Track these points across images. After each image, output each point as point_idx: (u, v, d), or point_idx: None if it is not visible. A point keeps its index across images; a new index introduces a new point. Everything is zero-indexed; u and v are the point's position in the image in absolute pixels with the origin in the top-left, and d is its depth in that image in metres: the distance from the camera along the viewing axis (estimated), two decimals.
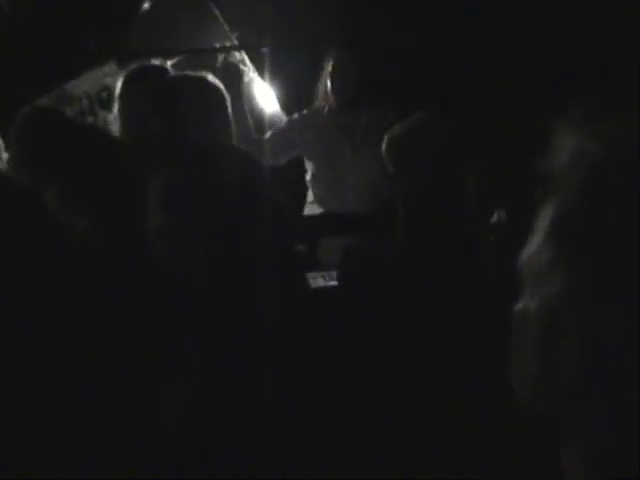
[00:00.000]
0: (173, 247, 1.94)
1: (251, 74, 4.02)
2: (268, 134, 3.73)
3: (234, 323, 1.92)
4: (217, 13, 3.61)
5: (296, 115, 3.84)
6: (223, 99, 2.86)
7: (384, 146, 2.58)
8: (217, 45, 3.97)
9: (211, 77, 2.98)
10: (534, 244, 0.74)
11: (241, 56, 4.00)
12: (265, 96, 3.95)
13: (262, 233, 1.95)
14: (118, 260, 2.12)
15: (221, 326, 1.90)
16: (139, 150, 2.79)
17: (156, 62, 3.36)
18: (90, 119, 4.14)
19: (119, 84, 3.17)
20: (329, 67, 3.68)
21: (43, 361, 1.79)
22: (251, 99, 3.84)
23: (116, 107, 3.18)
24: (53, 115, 2.91)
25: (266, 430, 1.88)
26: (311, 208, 3.91)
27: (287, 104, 3.87)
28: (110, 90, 3.70)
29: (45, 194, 2.07)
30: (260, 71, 3.93)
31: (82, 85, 4.23)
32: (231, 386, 1.85)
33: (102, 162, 2.33)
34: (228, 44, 3.90)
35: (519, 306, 0.75)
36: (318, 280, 3.11)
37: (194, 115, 2.77)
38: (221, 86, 2.95)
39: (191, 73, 3.05)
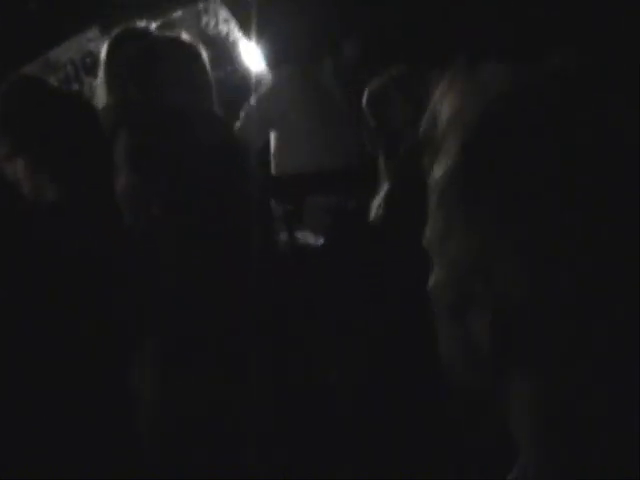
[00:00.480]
0: (139, 212, 1.90)
1: (236, 33, 3.95)
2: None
3: (209, 295, 1.88)
4: None
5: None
6: (201, 60, 2.80)
7: (364, 100, 2.54)
8: (200, 6, 3.90)
9: (189, 37, 2.91)
10: (430, 213, 0.73)
11: (226, 15, 3.93)
12: (251, 55, 3.89)
13: (237, 198, 1.90)
14: (89, 232, 2.08)
15: (195, 298, 1.86)
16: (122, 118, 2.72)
17: (141, 24, 3.29)
18: (76, 86, 4.09)
19: (103, 49, 3.11)
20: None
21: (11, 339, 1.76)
22: (235, 59, 3.78)
23: (100, 72, 3.13)
24: (29, 83, 2.86)
25: (246, 408, 1.85)
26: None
27: (274, 62, 3.79)
28: (94, 56, 3.65)
29: (13, 162, 2.03)
30: (246, 30, 3.86)
31: (66, 52, 4.18)
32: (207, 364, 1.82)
33: (77, 132, 2.27)
34: (211, 3, 3.83)
35: (430, 279, 0.74)
36: (308, 237, 3.07)
37: (170, 78, 2.71)
38: (200, 47, 2.88)
39: (168, 33, 2.98)
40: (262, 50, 3.90)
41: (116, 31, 3.28)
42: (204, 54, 2.84)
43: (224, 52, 4.14)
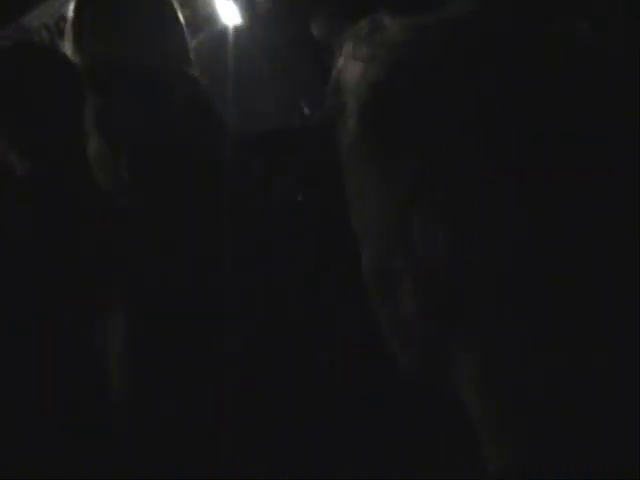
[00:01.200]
0: (109, 177, 1.86)
1: None
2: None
3: (180, 252, 1.84)
4: None
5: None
6: (171, 10, 2.70)
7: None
8: None
9: None
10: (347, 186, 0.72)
11: None
12: (227, 10, 3.82)
13: (213, 162, 1.85)
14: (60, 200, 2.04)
15: (170, 263, 1.82)
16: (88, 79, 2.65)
17: None
18: None
19: (70, 9, 3.04)
20: None
21: None
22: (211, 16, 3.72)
23: (67, 31, 3.06)
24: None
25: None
26: None
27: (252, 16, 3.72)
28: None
29: None
30: None
31: (40, 17, 4.12)
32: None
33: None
34: None
35: (362, 262, 0.71)
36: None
37: (138, 31, 2.62)
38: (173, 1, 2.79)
39: None
40: (239, 6, 3.83)
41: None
42: (175, 4, 2.75)
43: (200, 9, 4.08)
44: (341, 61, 0.74)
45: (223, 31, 3.58)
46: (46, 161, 2.07)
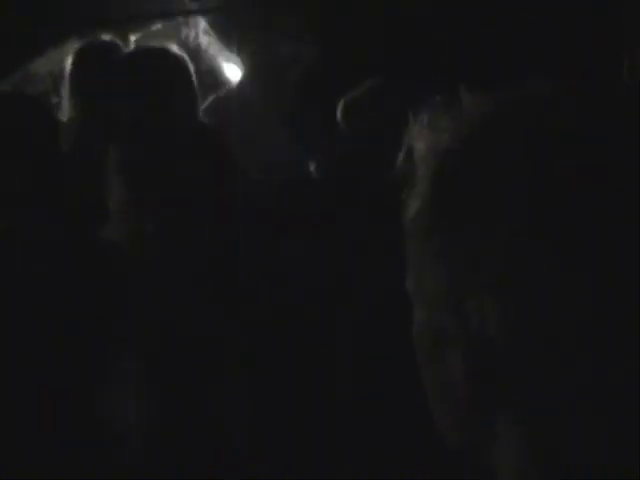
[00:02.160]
0: (132, 226, 1.88)
1: (216, 46, 3.96)
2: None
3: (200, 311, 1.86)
4: None
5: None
6: (187, 72, 2.79)
7: (340, 109, 2.57)
8: (180, 19, 3.92)
9: (175, 48, 2.92)
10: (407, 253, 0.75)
11: (206, 27, 3.94)
12: (231, 68, 3.91)
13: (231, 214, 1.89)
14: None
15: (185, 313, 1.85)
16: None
17: (107, 37, 3.31)
18: (55, 99, 4.08)
19: (68, 62, 3.12)
20: None
21: None
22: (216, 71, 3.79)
23: (65, 85, 3.14)
24: None
25: None
26: None
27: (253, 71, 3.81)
28: None
29: None
30: (226, 42, 3.87)
31: (46, 64, 4.17)
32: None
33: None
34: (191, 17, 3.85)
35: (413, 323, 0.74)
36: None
37: (159, 91, 2.71)
38: (186, 58, 2.88)
39: (154, 45, 2.98)
40: (242, 63, 3.92)
41: (82, 43, 3.29)
42: (190, 66, 2.85)
43: (205, 64, 4.14)
44: (415, 129, 0.74)
45: (234, 89, 3.65)
46: (62, 210, 2.10)
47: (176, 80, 2.78)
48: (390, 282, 0.90)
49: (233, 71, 3.86)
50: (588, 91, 0.70)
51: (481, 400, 0.67)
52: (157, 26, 4.08)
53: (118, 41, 3.28)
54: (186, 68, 2.82)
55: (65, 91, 3.05)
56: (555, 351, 0.63)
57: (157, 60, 2.81)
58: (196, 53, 4.14)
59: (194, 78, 2.83)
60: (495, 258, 0.65)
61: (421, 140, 0.73)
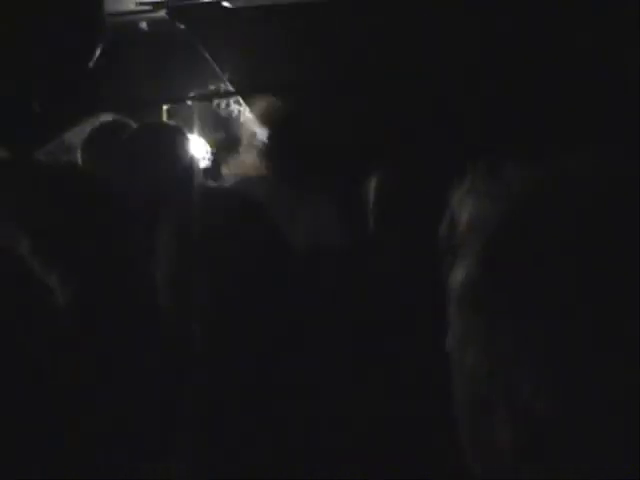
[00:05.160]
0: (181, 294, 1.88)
1: (247, 113, 4.04)
2: None
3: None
4: (206, 54, 3.63)
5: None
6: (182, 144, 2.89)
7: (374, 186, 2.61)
8: (212, 87, 4.00)
9: (170, 122, 3.03)
10: (449, 318, 0.74)
11: (236, 97, 4.03)
12: (263, 135, 3.96)
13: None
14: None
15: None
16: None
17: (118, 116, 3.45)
18: None
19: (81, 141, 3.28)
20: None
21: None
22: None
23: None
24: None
25: None
26: None
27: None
28: None
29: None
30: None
31: (80, 134, 4.27)
32: None
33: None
34: (222, 85, 3.92)
35: (452, 386, 0.75)
36: None
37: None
38: (181, 130, 2.99)
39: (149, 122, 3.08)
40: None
41: (96, 123, 3.43)
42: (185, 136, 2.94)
43: (236, 131, 4.21)
44: (457, 197, 0.76)
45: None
46: (89, 290, 2.12)
47: (169, 155, 2.88)
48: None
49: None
50: (626, 163, 0.71)
51: (524, 469, 0.67)
52: (189, 93, 4.17)
53: (129, 120, 3.41)
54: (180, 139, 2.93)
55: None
56: (601, 427, 0.64)
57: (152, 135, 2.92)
58: (227, 121, 4.22)
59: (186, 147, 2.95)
60: (544, 336, 0.65)
61: (464, 209, 0.74)
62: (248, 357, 1.81)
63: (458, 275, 0.72)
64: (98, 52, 2.67)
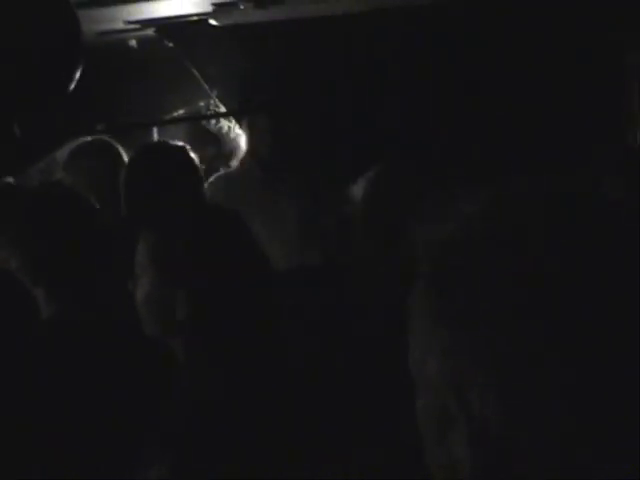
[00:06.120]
0: (160, 313, 1.91)
1: (237, 129, 4.07)
2: None
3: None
4: (195, 72, 3.67)
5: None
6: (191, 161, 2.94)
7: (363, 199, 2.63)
8: (201, 104, 4.03)
9: (172, 143, 3.09)
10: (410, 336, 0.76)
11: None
12: None
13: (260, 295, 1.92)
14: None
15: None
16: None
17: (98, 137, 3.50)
18: None
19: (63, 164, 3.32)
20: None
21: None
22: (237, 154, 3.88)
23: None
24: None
25: None
26: None
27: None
28: None
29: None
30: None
31: None
32: None
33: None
34: (211, 102, 3.95)
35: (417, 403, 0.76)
36: None
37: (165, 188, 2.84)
38: (185, 148, 3.03)
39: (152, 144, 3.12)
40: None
41: (77, 143, 3.48)
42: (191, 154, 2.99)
43: (226, 147, 4.24)
44: (415, 220, 0.81)
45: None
46: (74, 305, 2.15)
47: (182, 174, 2.93)
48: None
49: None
50: (576, 190, 0.74)
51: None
52: (179, 112, 4.20)
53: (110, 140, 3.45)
54: (188, 158, 2.97)
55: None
56: (555, 434, 0.66)
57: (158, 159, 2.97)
58: (217, 137, 4.26)
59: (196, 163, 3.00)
60: (498, 349, 0.68)
61: (423, 231, 0.77)
62: (230, 370, 1.83)
63: (416, 294, 0.75)
64: (78, 70, 2.70)
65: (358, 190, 2.74)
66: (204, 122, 4.27)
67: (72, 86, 2.74)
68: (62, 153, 4.19)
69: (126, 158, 3.24)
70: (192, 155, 2.96)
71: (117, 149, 3.39)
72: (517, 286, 0.68)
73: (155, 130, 4.03)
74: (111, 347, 2.06)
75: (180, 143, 3.07)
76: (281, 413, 1.85)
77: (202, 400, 1.84)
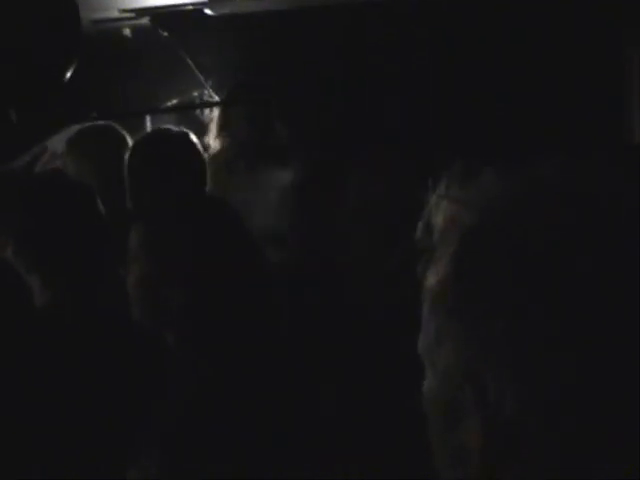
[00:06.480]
0: (150, 300, 1.91)
1: None
2: None
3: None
4: (190, 62, 3.65)
5: None
6: (195, 147, 2.92)
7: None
8: (195, 94, 4.01)
9: (176, 129, 3.06)
10: (423, 320, 0.75)
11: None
12: None
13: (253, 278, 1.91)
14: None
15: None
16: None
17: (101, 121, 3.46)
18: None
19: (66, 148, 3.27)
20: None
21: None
22: None
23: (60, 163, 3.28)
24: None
25: None
26: None
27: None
28: None
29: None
30: None
31: (64, 140, 4.26)
32: None
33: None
34: (205, 92, 3.94)
35: (424, 387, 0.75)
36: None
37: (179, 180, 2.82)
38: (190, 135, 3.01)
39: (157, 130, 3.10)
40: None
41: (78, 127, 3.43)
42: (194, 139, 2.97)
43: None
44: (433, 200, 0.76)
45: None
46: (68, 293, 2.14)
47: (186, 158, 2.91)
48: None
49: None
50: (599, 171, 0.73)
51: (497, 469, 0.69)
52: (173, 102, 4.18)
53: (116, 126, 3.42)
54: (192, 144, 2.96)
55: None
56: (569, 424, 0.66)
57: (164, 144, 2.95)
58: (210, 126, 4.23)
59: (200, 149, 2.98)
60: (513, 336, 0.67)
61: (439, 212, 0.75)
62: (221, 362, 1.83)
63: (433, 277, 0.74)
64: (75, 61, 2.68)
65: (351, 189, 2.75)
66: (197, 112, 4.25)
67: (69, 73, 2.72)
68: (53, 141, 4.17)
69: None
70: (195, 141, 2.95)
71: (122, 133, 3.36)
72: (541, 278, 0.68)
73: (148, 119, 4.01)
74: (104, 338, 2.05)
75: (184, 129, 3.06)
76: (276, 411, 1.84)
77: (193, 398, 1.83)
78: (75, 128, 4.03)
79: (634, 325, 0.65)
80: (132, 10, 3.55)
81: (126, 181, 2.91)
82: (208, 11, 3.53)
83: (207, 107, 3.69)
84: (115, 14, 3.57)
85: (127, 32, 3.79)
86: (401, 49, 3.52)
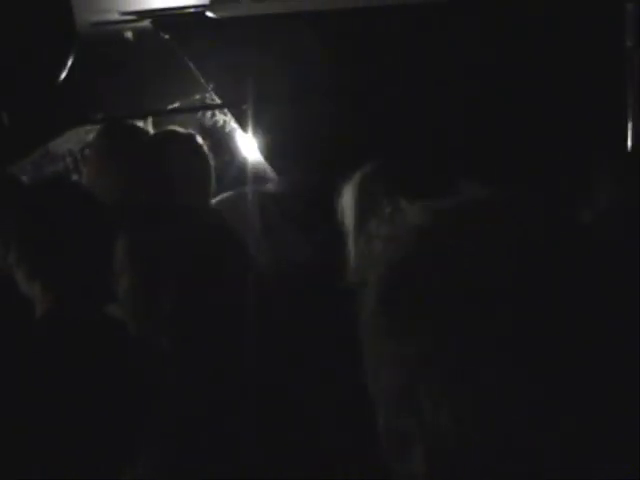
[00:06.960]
0: (141, 310, 1.90)
1: (232, 124, 4.04)
2: None
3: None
4: (191, 65, 3.63)
5: None
6: (203, 152, 2.89)
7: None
8: (196, 97, 4.00)
9: (188, 131, 3.02)
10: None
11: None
12: (247, 145, 3.97)
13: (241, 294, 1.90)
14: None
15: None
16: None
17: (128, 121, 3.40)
18: (75, 177, 4.16)
19: (92, 144, 3.19)
20: None
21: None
22: (232, 149, 3.85)
23: (92, 165, 3.19)
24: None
25: None
26: None
27: (269, 154, 3.85)
28: None
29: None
30: (242, 121, 3.94)
31: (65, 143, 4.25)
32: None
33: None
34: (207, 95, 3.92)
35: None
36: None
37: (174, 174, 2.79)
38: (199, 139, 2.98)
39: (170, 129, 3.06)
40: (257, 141, 3.98)
41: (107, 125, 3.37)
42: (204, 146, 2.94)
43: (221, 142, 4.21)
44: (365, 238, 0.82)
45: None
46: (69, 298, 2.13)
47: (191, 163, 2.88)
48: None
49: (249, 150, 3.93)
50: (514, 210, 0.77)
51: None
52: (174, 105, 4.16)
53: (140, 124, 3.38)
54: (201, 149, 2.93)
55: (91, 172, 3.10)
56: (507, 439, 0.66)
57: (173, 144, 2.92)
58: (212, 131, 4.21)
59: (210, 164, 2.95)
60: (446, 356, 0.69)
61: (371, 248, 0.79)
62: (214, 368, 1.81)
63: (366, 308, 0.77)
64: (69, 63, 2.66)
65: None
66: (199, 116, 4.23)
67: (62, 75, 2.69)
68: (54, 145, 4.15)
69: None
70: (201, 143, 2.92)
71: (147, 132, 3.33)
72: (463, 296, 0.70)
73: (150, 122, 3.99)
74: (104, 344, 2.05)
75: (191, 131, 3.04)
76: (271, 414, 1.83)
77: (188, 399, 1.82)
78: (75, 132, 4.01)
79: (558, 338, 0.67)
80: (133, 13, 3.52)
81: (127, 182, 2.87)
82: (209, 14, 3.50)
83: (208, 110, 3.67)
84: (116, 17, 3.55)
85: (128, 35, 3.76)
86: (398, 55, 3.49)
